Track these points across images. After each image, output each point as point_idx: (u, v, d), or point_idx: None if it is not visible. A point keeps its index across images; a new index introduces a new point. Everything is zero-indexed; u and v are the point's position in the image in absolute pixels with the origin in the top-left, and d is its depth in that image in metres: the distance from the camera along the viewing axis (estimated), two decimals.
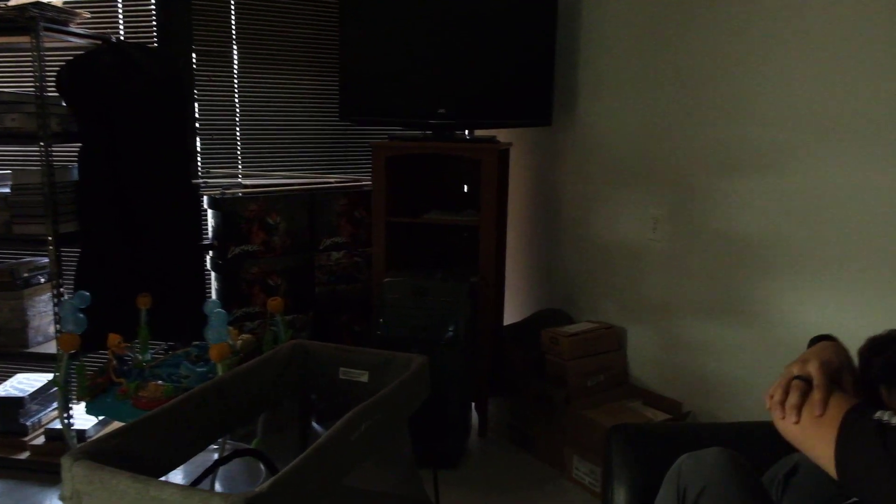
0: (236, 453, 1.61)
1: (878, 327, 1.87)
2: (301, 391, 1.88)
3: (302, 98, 3.29)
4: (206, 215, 3.04)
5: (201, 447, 1.47)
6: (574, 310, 3.15)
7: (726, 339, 2.48)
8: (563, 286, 3.24)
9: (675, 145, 2.63)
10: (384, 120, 3.11)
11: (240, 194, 2.97)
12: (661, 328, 2.75)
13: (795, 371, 1.13)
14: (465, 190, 3.32)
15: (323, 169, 3.40)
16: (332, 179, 3.31)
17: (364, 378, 2.10)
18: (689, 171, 2.58)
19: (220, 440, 2.29)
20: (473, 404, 2.97)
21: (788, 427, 1.09)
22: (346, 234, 3.20)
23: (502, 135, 3.16)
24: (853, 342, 1.21)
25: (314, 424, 2.20)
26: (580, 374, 2.73)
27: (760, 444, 1.63)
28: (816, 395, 1.07)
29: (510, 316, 3.39)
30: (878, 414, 0.99)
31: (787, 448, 1.47)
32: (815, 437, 1.05)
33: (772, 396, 1.13)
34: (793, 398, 1.08)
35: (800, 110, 2.18)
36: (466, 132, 3.42)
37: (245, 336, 2.48)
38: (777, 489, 1.39)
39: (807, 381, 1.10)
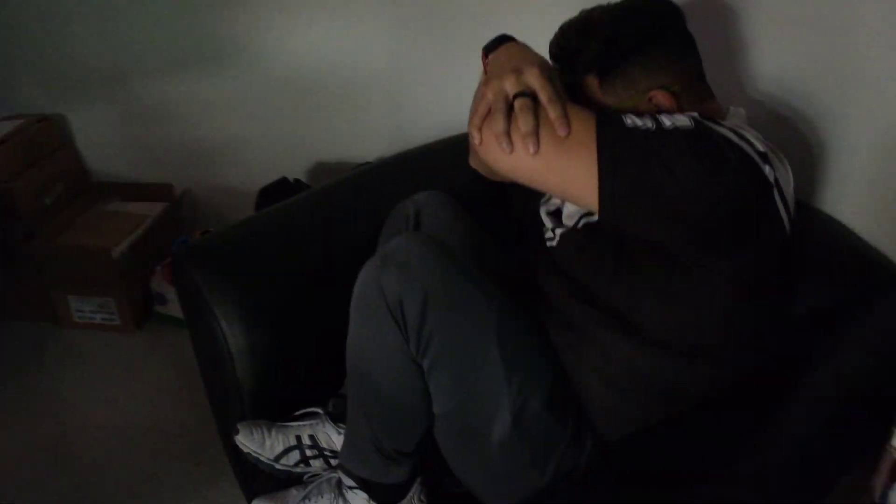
0: None
1: (386, 44, 1.67)
2: None
3: None
4: None
5: None
6: None
7: (206, 95, 2.03)
8: None
9: None
10: None
11: None
12: (116, 100, 2.12)
13: (509, 87, 0.83)
14: None
15: None
16: None
17: None
18: None
19: None
20: None
21: (522, 162, 0.83)
22: None
23: None
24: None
25: None
26: (30, 193, 1.98)
27: (342, 201, 1.40)
28: (554, 112, 0.81)
29: None
30: (628, 121, 0.81)
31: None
32: (566, 165, 0.82)
33: (481, 128, 0.84)
34: (526, 123, 0.80)
35: None
36: None
37: None
38: (411, 227, 1.19)
39: (531, 97, 0.83)
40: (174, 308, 2.02)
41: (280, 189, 1.88)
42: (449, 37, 1.70)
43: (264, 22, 1.88)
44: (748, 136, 0.82)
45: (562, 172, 0.83)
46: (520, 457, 0.91)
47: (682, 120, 0.81)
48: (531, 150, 0.81)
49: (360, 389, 0.96)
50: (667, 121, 0.81)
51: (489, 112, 0.84)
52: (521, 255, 1.13)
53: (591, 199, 0.81)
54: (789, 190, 0.86)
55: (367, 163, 1.91)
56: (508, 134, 0.82)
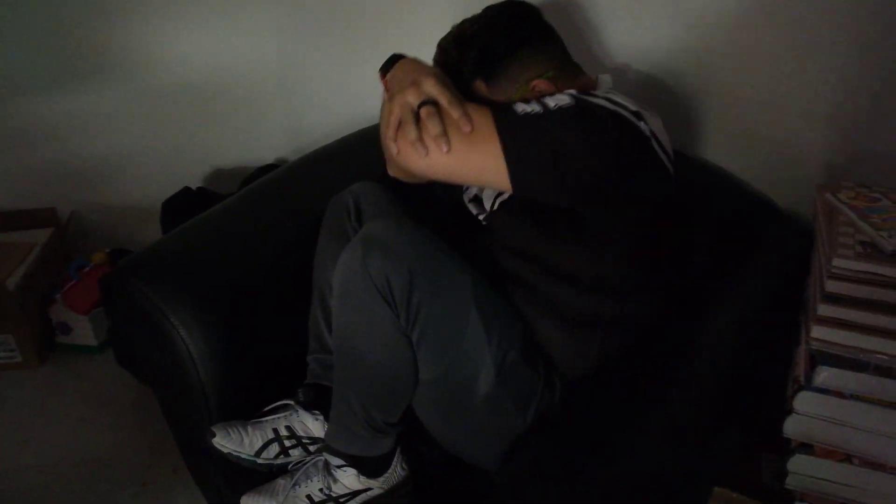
0: None
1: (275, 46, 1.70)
2: None
3: None
4: None
5: None
6: None
7: (88, 110, 1.96)
8: None
9: None
10: None
11: None
12: None
13: (412, 99, 0.95)
14: None
15: None
16: None
17: None
18: None
19: None
20: None
21: (438, 161, 0.95)
22: None
23: None
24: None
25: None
26: None
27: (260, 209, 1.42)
28: (455, 112, 0.94)
29: None
30: (519, 109, 0.94)
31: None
32: (476, 157, 0.94)
33: (396, 140, 0.96)
34: (433, 127, 0.93)
35: None
36: None
37: None
38: (353, 218, 1.25)
39: (433, 104, 0.95)
40: (79, 336, 1.94)
41: (185, 199, 1.86)
42: (340, 34, 1.75)
43: (147, 30, 1.85)
44: (620, 100, 0.97)
45: (474, 164, 0.95)
46: (505, 407, 1.01)
47: (564, 99, 0.95)
48: (444, 149, 0.93)
49: (350, 368, 1.01)
50: (551, 102, 0.95)
51: (400, 124, 0.95)
52: (457, 235, 1.23)
53: (504, 181, 0.94)
54: (665, 138, 1.02)
55: (271, 165, 1.93)
56: (422, 139, 0.94)
